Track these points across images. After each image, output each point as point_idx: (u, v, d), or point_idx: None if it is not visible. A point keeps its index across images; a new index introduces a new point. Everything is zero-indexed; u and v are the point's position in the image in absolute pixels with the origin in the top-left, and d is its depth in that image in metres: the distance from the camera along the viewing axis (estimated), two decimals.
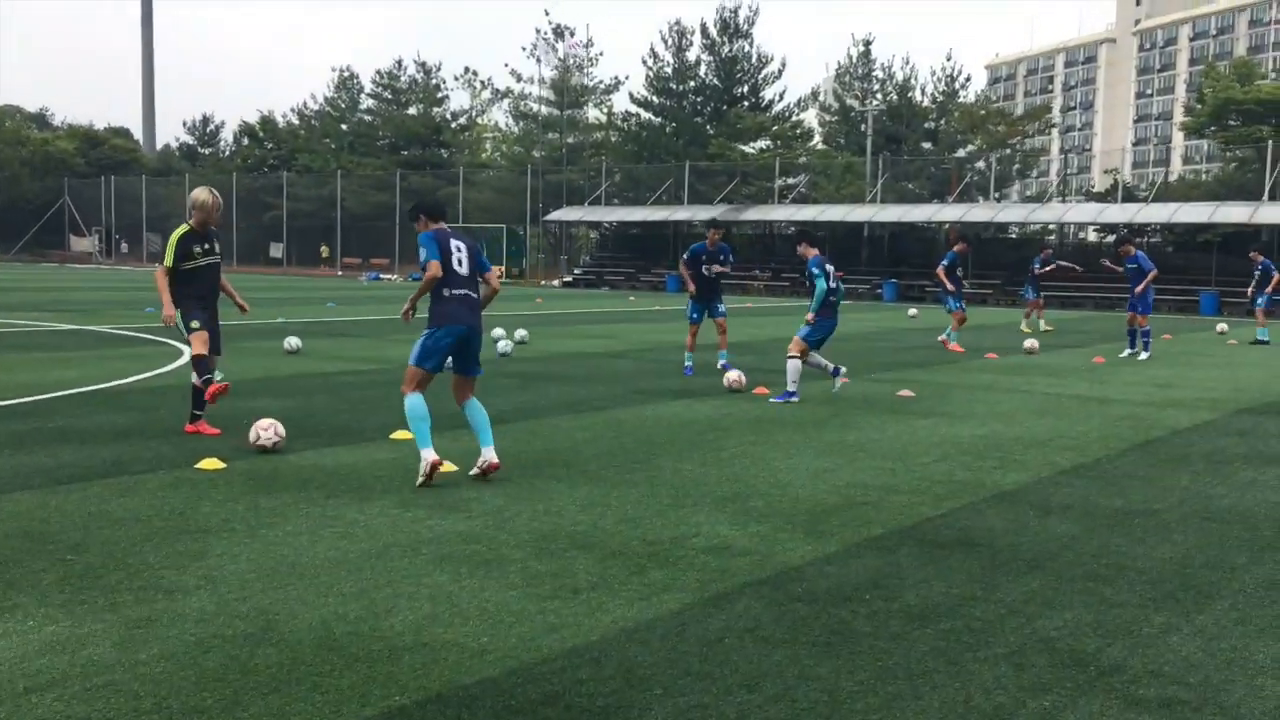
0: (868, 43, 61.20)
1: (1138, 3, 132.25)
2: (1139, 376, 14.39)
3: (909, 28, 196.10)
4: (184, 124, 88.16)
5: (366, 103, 76.96)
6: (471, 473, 6.89)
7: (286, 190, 66.60)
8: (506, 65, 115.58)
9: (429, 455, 6.71)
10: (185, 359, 8.53)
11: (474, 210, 60.62)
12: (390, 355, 14.66)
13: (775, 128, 59.38)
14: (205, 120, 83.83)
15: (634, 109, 63.16)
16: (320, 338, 17.67)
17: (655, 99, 62.26)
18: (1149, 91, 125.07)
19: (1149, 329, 17.38)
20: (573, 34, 63.69)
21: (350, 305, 28.39)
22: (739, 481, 7.16)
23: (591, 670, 3.90)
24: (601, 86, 66.57)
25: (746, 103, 61.40)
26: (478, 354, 7.13)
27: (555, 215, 54.37)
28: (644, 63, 62.27)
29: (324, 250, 65.75)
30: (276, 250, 67.28)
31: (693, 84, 61.77)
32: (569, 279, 52.15)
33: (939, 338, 18.71)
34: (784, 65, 63.87)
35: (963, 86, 60.90)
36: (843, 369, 11.62)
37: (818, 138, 62.93)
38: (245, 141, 78.15)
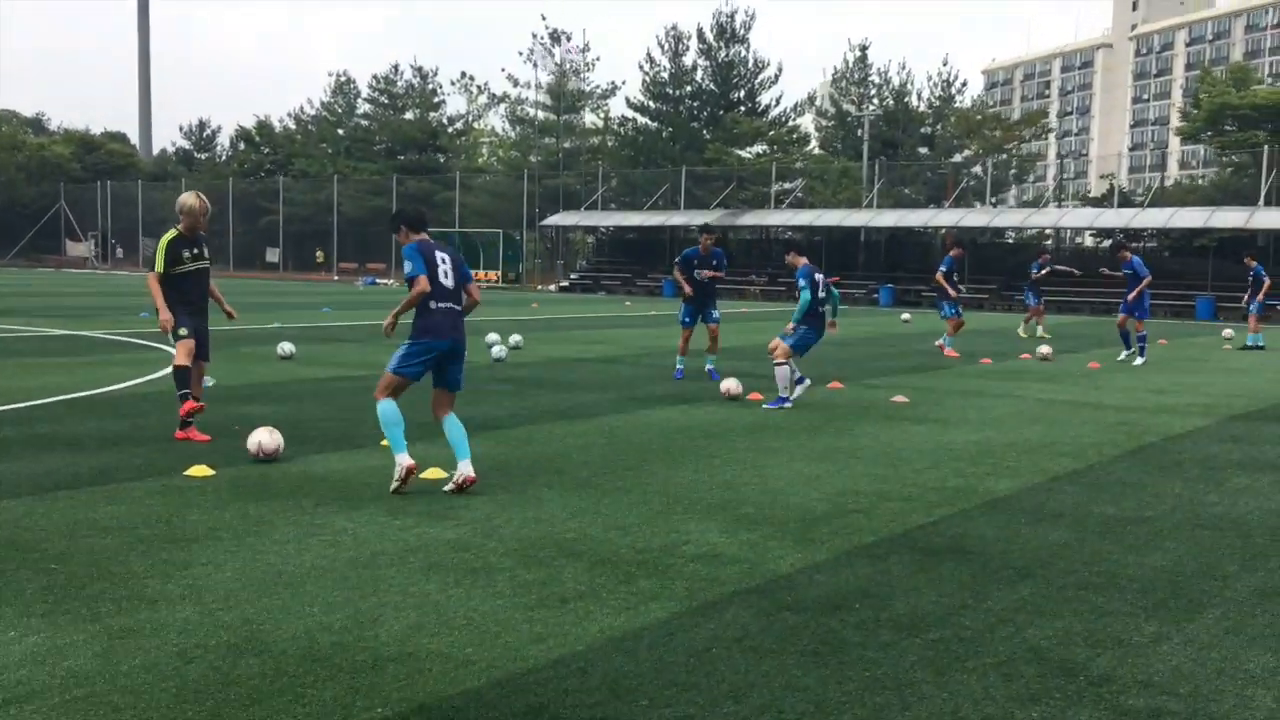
0: (864, 48, 61.30)
1: (1134, 8, 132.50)
2: (1133, 382, 14.38)
3: (905, 33, 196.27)
4: (180, 129, 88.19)
5: (363, 107, 76.98)
6: (447, 488, 6.78)
7: (283, 195, 66.57)
8: (503, 70, 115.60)
9: (404, 460, 6.65)
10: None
11: (470, 215, 60.63)
12: (384, 361, 14.52)
13: (772, 133, 59.41)
14: (202, 125, 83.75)
15: (630, 114, 63.24)
16: (314, 343, 17.63)
17: (652, 104, 62.30)
18: (1145, 96, 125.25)
19: (1145, 334, 17.38)
20: (569, 39, 63.80)
21: (345, 310, 28.35)
22: (730, 488, 7.14)
23: (577, 681, 3.87)
24: (598, 91, 66.73)
25: (743, 108, 61.43)
26: (461, 368, 7.04)
27: (552, 220, 54.37)
28: (640, 68, 62.38)
29: (319, 255, 65.70)
30: (273, 255, 67.24)
31: (689, 89, 61.81)
32: (565, 284, 52.13)
33: (936, 343, 18.70)
34: (780, 70, 63.97)
35: (959, 91, 60.96)
36: (807, 380, 11.52)
37: (814, 143, 62.98)
38: (242, 146, 78.07)
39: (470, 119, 76.02)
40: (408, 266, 6.80)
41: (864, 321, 29.12)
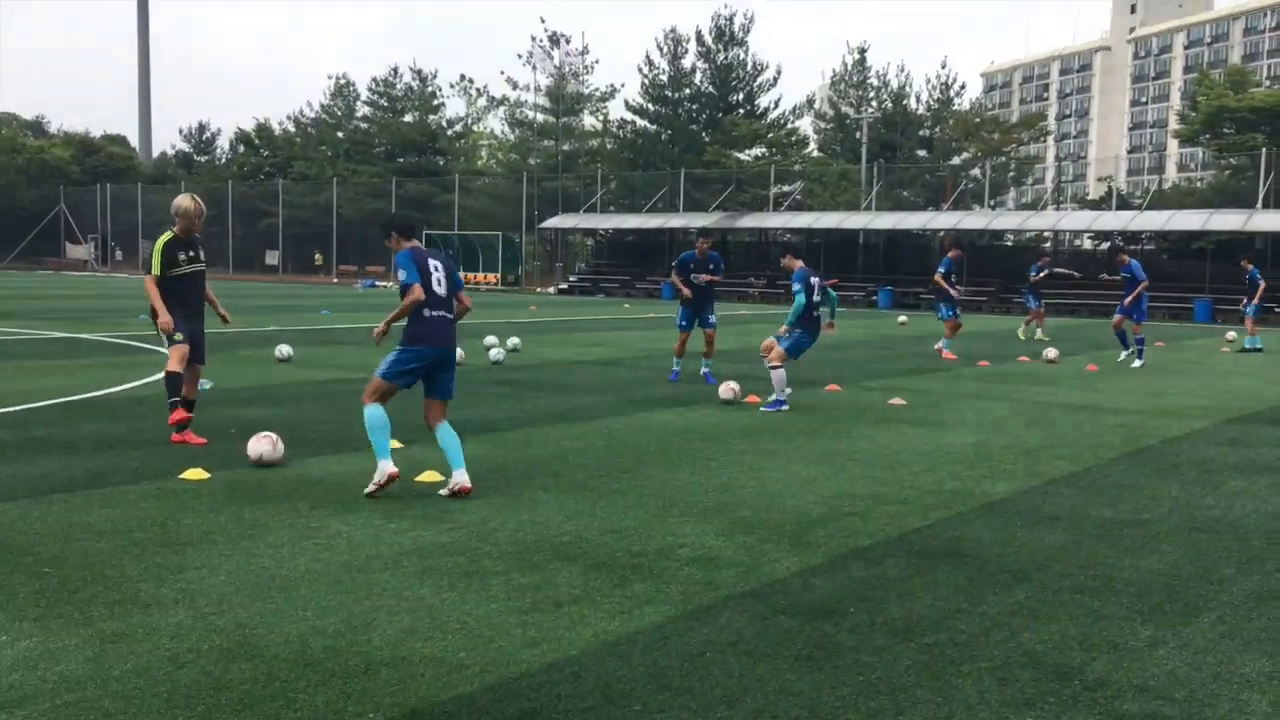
0: (863, 50, 61.33)
1: (1132, 10, 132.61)
2: (1131, 385, 14.37)
3: (904, 36, 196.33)
4: (180, 131, 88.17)
5: (362, 110, 76.97)
6: (442, 492, 6.75)
7: (282, 198, 66.56)
8: (502, 73, 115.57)
9: (386, 467, 6.61)
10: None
11: (469, 217, 60.63)
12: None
13: (770, 135, 59.40)
14: (201, 128, 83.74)
15: (630, 116, 63.24)
16: (313, 345, 17.61)
17: (651, 106, 62.30)
18: (1144, 99, 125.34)
19: (1143, 337, 17.39)
20: (568, 41, 63.75)
21: (344, 313, 28.34)
22: (727, 491, 7.13)
23: (570, 685, 3.86)
24: (597, 94, 66.68)
25: (742, 110, 61.44)
26: (452, 376, 6.99)
27: (551, 222, 54.36)
28: (639, 70, 62.37)
29: (318, 257, 65.69)
30: (272, 258, 67.21)
31: (688, 91, 61.81)
32: (564, 286, 52.11)
33: (935, 346, 18.67)
34: (779, 73, 64.01)
35: (958, 94, 61.01)
36: (785, 404, 11.37)
37: (813, 145, 62.99)
38: (241, 149, 78.05)
39: (469, 121, 76.04)
40: (401, 274, 6.73)
41: (861, 324, 29.11)
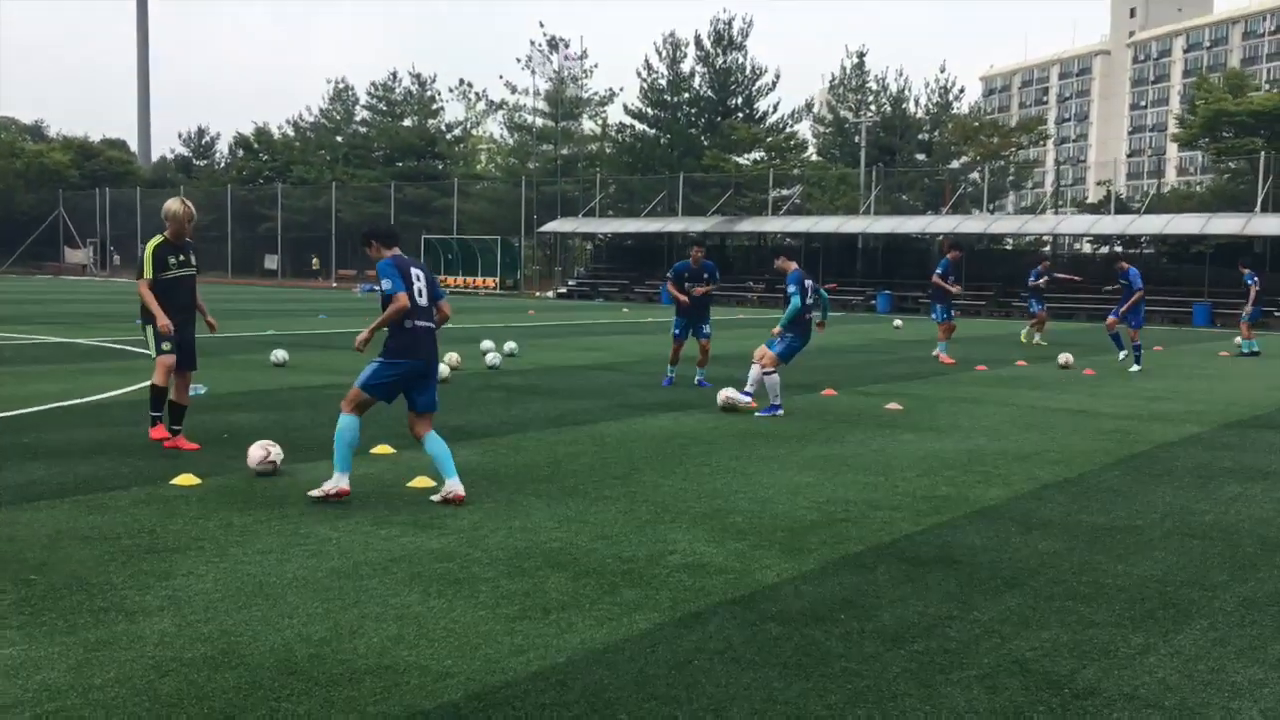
0: (862, 55, 61.34)
1: (1132, 14, 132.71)
2: (1128, 389, 14.35)
3: (903, 40, 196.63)
4: (179, 136, 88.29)
5: (361, 114, 77.00)
6: (434, 499, 6.71)
7: (281, 202, 66.57)
8: (501, 77, 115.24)
9: (341, 482, 6.55)
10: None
11: (468, 222, 60.63)
12: None
13: (769, 139, 59.41)
14: (201, 132, 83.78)
15: (628, 120, 63.27)
16: (309, 350, 17.59)
17: (649, 111, 62.32)
18: (1143, 103, 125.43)
19: (1139, 343, 17.41)
20: (567, 46, 63.83)
21: (342, 317, 28.30)
22: (720, 497, 7.10)
23: (556, 694, 3.83)
24: (596, 98, 66.71)
25: (740, 114, 61.45)
26: (433, 388, 6.89)
27: (550, 227, 54.36)
28: (638, 74, 62.39)
29: (315, 262, 65.67)
30: (271, 262, 67.21)
31: (687, 96, 61.83)
32: (563, 290, 52.11)
33: (934, 353, 18.61)
34: (778, 77, 64.02)
35: (956, 98, 61.05)
36: (751, 398, 11.35)
37: (812, 149, 63.01)
38: (240, 153, 78.09)
39: (468, 126, 76.10)
40: (385, 283, 6.63)
41: (858, 328, 29.09)
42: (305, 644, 4.21)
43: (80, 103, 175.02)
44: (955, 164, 57.34)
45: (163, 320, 7.93)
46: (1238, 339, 24.20)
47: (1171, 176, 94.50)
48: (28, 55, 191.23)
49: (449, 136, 74.57)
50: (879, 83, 61.04)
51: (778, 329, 11.18)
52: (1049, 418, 11.27)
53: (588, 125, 67.48)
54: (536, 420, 10.33)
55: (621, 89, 76.68)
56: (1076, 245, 48.81)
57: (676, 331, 13.24)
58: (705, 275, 13.07)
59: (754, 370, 11.28)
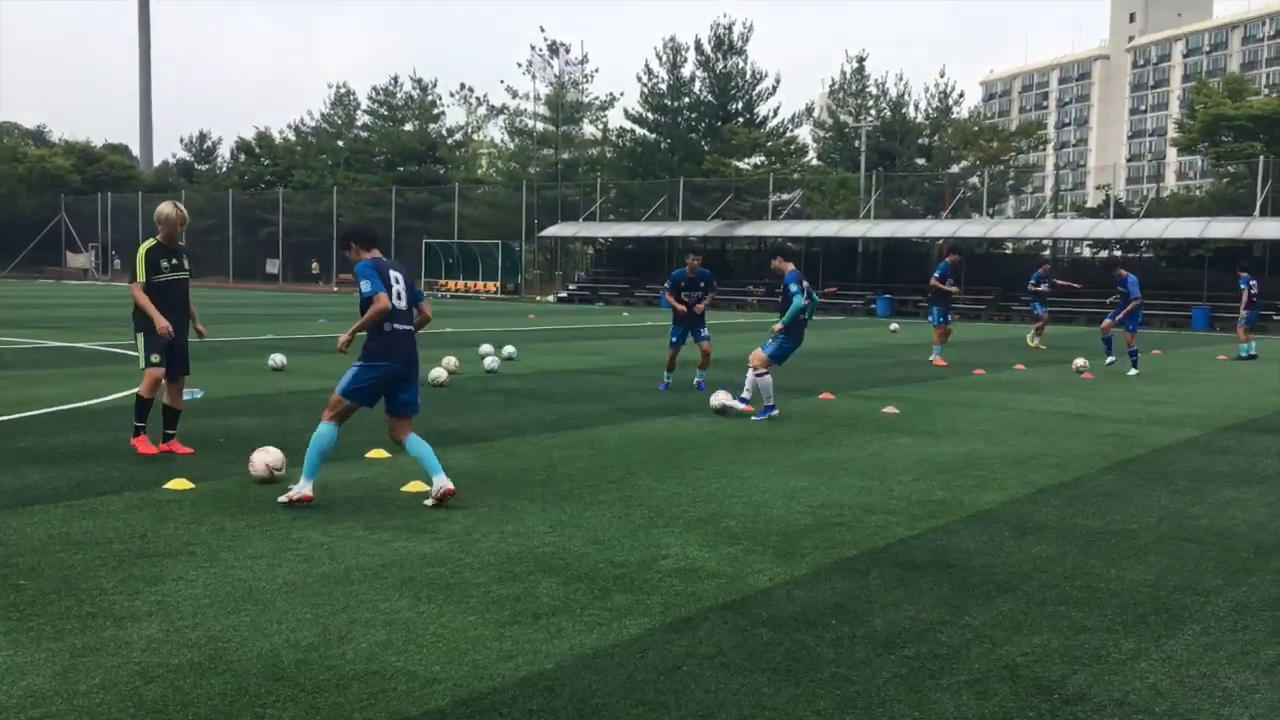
0: (862, 59, 61.45)
1: (1131, 19, 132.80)
2: (1126, 393, 14.33)
3: (903, 45, 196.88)
4: (181, 140, 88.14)
5: (363, 119, 77.19)
6: (427, 502, 6.68)
7: (283, 206, 66.66)
8: (502, 82, 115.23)
9: (305, 489, 6.51)
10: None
11: (469, 226, 60.68)
12: None
13: (769, 144, 59.50)
14: (202, 136, 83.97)
15: (629, 125, 63.37)
16: (307, 354, 17.59)
17: (650, 115, 62.41)
18: (1143, 108, 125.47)
19: (1136, 349, 17.41)
20: (568, 50, 63.90)
21: (342, 321, 28.29)
22: (714, 501, 7.08)
23: (543, 700, 3.81)
24: (597, 103, 66.83)
25: (741, 119, 61.54)
26: (415, 391, 6.87)
27: (550, 231, 54.39)
28: (639, 79, 62.52)
29: (315, 266, 65.71)
30: (273, 266, 67.27)
31: (687, 100, 61.93)
32: (564, 294, 52.13)
33: (930, 358, 18.58)
34: (778, 81, 64.13)
35: (956, 103, 61.15)
36: (746, 403, 11.32)
37: (812, 153, 63.08)
38: (242, 158, 78.24)
39: (469, 130, 76.27)
40: (364, 285, 6.60)
41: (857, 332, 29.09)
42: (293, 650, 4.20)
43: (82, 107, 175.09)
44: (955, 168, 57.37)
45: (161, 322, 7.89)
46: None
47: (1171, 181, 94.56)
48: (30, 60, 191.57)
49: (450, 141, 74.71)
50: (879, 87, 61.20)
51: (778, 326, 11.16)
52: (1046, 421, 11.25)
53: (588, 130, 67.66)
54: (533, 424, 10.31)
55: (622, 94, 76.93)
56: (1076, 249, 48.82)
57: (674, 339, 13.25)
58: (701, 284, 13.08)
59: (750, 376, 11.26)
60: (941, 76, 76.28)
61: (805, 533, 6.30)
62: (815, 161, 62.04)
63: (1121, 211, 49.03)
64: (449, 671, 4.04)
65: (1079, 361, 17.28)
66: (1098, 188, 62.68)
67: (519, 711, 3.71)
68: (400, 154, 71.77)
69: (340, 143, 75.63)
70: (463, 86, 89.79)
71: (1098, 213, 50.38)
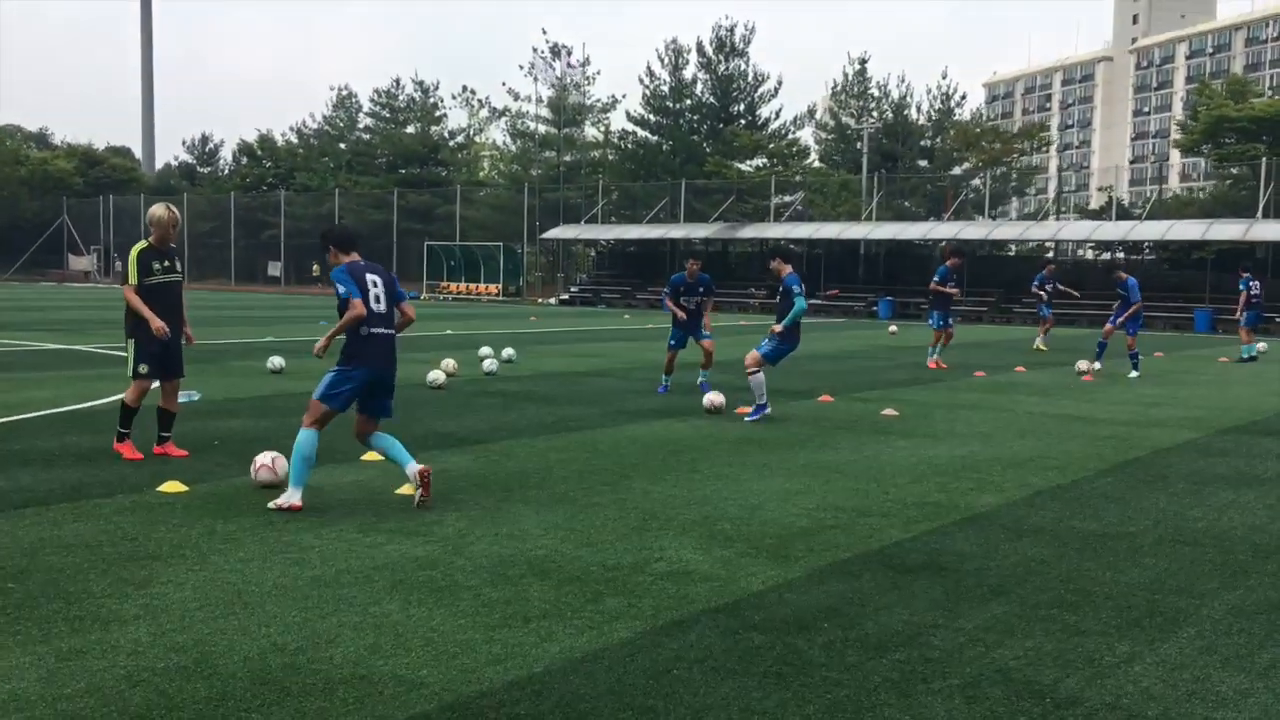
0: (864, 61, 61.45)
1: (1134, 21, 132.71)
2: (1127, 395, 14.28)
3: (905, 46, 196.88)
4: (183, 143, 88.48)
5: (364, 121, 77.25)
6: (416, 503, 6.62)
7: (284, 209, 66.67)
8: (504, 84, 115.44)
9: (294, 498, 6.48)
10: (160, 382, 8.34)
11: (471, 228, 60.68)
12: None
13: (771, 145, 59.48)
14: (204, 139, 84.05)
15: (631, 127, 63.36)
16: (306, 357, 17.55)
17: (652, 117, 62.41)
18: (1146, 109, 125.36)
19: (1136, 352, 17.36)
20: (570, 53, 63.92)
21: None
22: (709, 504, 7.05)
23: (531, 704, 3.79)
24: (599, 105, 66.82)
25: (743, 121, 61.53)
26: (390, 397, 6.85)
27: (552, 233, 54.38)
28: (641, 81, 62.54)
29: (315, 269, 65.73)
30: (274, 269, 67.29)
31: (689, 102, 61.93)
32: (566, 297, 52.11)
33: (930, 364, 18.50)
34: (780, 83, 63.99)
35: (958, 104, 61.08)
36: (768, 408, 11.35)
37: (814, 155, 63.05)
38: (244, 160, 78.30)
39: (471, 133, 76.27)
40: (339, 289, 6.58)
41: (858, 334, 29.05)
42: (280, 653, 4.18)
43: (85, 110, 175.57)
44: (957, 170, 57.33)
45: (156, 322, 7.85)
46: (1261, 345, 23.81)
47: (1174, 182, 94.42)
48: (32, 62, 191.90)
49: (452, 143, 74.74)
50: (881, 89, 61.17)
51: (779, 327, 11.11)
52: (1046, 424, 11.21)
53: (590, 132, 67.65)
54: (531, 426, 10.29)
55: (624, 96, 76.97)
56: (1079, 251, 48.74)
57: (672, 342, 13.24)
58: (701, 289, 13.06)
59: (754, 381, 11.12)
60: (944, 78, 76.12)
61: (800, 535, 6.27)
62: (817, 163, 61.99)
63: (1124, 213, 48.96)
64: (437, 675, 4.01)
65: (1081, 364, 17.22)
66: (1100, 189, 62.64)
67: (506, 715, 3.68)
68: (402, 156, 71.80)
69: (342, 145, 75.67)
70: (465, 89, 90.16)
71: (1100, 214, 50.31)
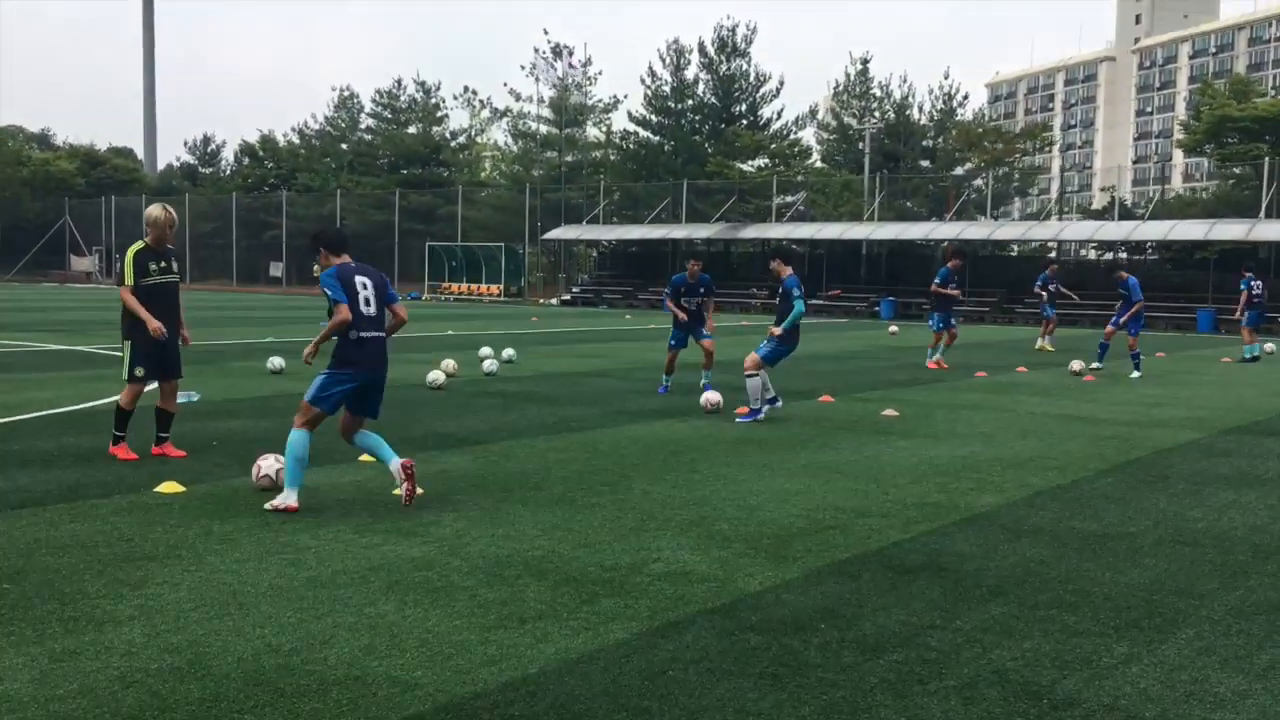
0: (866, 61, 61.39)
1: (1137, 21, 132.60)
2: (1128, 395, 14.25)
3: (907, 46, 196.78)
4: (185, 144, 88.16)
5: (366, 122, 77.27)
6: (404, 503, 6.55)
7: (286, 209, 66.69)
8: (505, 85, 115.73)
9: (291, 501, 6.46)
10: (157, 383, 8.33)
11: (472, 229, 60.68)
12: None
13: (773, 146, 59.45)
14: (206, 140, 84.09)
15: (633, 127, 63.34)
16: None
17: (654, 117, 62.39)
18: (1149, 109, 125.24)
19: (1139, 351, 17.33)
20: (571, 53, 63.92)
21: None
22: (707, 504, 7.04)
23: (525, 705, 3.77)
24: (600, 105, 66.81)
25: (744, 121, 61.50)
26: (379, 399, 6.84)
27: (554, 234, 54.36)
28: (642, 81, 62.50)
29: (316, 270, 65.72)
30: (276, 269, 67.32)
31: (691, 102, 61.90)
32: (567, 297, 52.11)
33: (930, 366, 18.46)
34: (782, 84, 63.98)
35: (960, 105, 61.01)
36: (779, 400, 11.36)
37: (816, 156, 63.00)
38: (246, 161, 78.34)
39: (473, 133, 76.25)
40: (328, 293, 6.58)
41: (859, 334, 29.02)
42: (274, 654, 4.16)
43: (87, 111, 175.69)
44: (960, 170, 57.26)
45: (153, 323, 7.84)
46: (1269, 346, 23.74)
47: (1177, 182, 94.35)
48: (34, 63, 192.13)
49: (453, 144, 74.75)
50: (883, 89, 61.10)
51: (779, 330, 11.09)
52: (1047, 424, 11.18)
53: (592, 132, 67.65)
54: (530, 427, 10.28)
55: (626, 96, 77.07)
56: (1082, 251, 48.67)
57: (672, 342, 13.23)
58: (701, 289, 13.06)
59: (751, 384, 11.11)
60: (946, 78, 76.11)
61: (798, 536, 6.25)
62: (819, 164, 61.95)
63: (1127, 213, 48.88)
64: (431, 676, 4.00)
65: (1075, 365, 17.23)
66: (1103, 189, 62.53)
67: (500, 717, 3.67)
68: (404, 157, 71.83)
69: (344, 146, 75.70)
70: (466, 89, 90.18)
71: (1103, 215, 50.25)
